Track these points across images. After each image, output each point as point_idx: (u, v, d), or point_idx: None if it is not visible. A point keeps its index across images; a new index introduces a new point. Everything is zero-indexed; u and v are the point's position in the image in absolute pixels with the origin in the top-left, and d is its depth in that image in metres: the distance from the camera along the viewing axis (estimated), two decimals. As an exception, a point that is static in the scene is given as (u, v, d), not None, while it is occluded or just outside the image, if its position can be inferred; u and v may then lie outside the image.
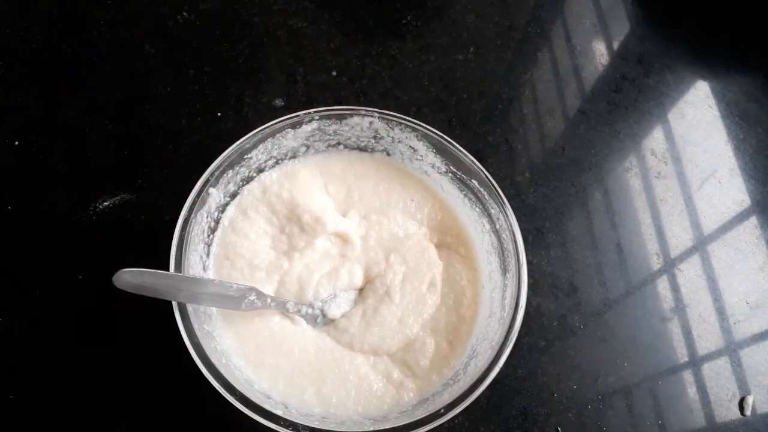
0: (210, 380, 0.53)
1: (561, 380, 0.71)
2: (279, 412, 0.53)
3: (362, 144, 0.74)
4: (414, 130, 0.69)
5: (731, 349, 0.75)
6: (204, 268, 0.66)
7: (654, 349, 0.74)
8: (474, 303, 0.67)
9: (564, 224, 0.82)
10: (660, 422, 0.70)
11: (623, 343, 0.74)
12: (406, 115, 0.69)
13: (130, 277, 0.52)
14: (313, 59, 0.93)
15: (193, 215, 0.62)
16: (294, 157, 0.73)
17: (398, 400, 0.62)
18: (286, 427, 0.52)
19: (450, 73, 0.94)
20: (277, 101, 0.88)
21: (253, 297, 0.61)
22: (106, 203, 0.77)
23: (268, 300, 0.63)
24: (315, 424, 0.53)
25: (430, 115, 0.89)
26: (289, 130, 0.69)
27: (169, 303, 0.56)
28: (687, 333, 0.76)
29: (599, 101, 0.94)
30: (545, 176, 0.86)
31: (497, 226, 0.66)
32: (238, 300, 0.60)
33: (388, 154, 0.75)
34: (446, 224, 0.72)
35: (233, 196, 0.70)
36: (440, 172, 0.72)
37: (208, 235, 0.67)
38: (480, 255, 0.70)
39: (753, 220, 0.86)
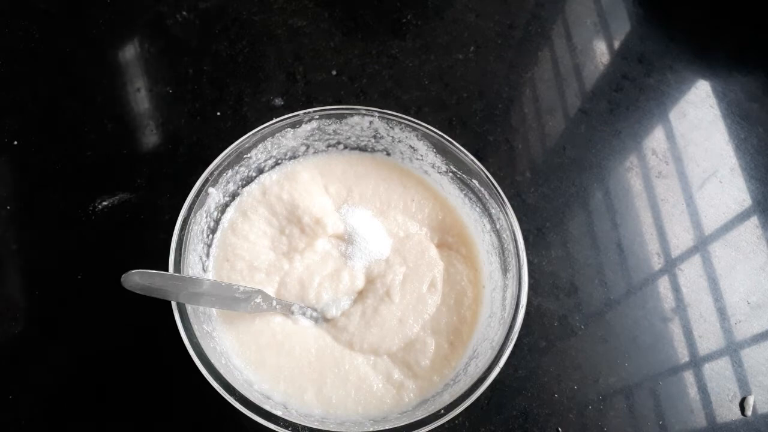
0: (209, 380, 0.53)
1: (562, 380, 0.71)
2: (279, 413, 0.53)
3: (362, 144, 0.74)
4: (414, 129, 0.69)
5: (732, 349, 0.75)
6: (204, 269, 0.66)
7: (655, 349, 0.74)
8: (475, 303, 0.67)
9: (565, 224, 0.82)
10: (661, 422, 0.69)
11: (624, 344, 0.74)
12: (407, 115, 0.69)
13: (140, 279, 0.52)
14: (312, 58, 0.93)
15: (192, 215, 0.62)
16: (294, 157, 0.73)
17: (399, 400, 0.61)
18: (286, 427, 0.52)
19: (450, 73, 0.94)
20: (276, 100, 0.88)
21: (259, 299, 0.61)
22: (105, 203, 0.76)
23: (274, 302, 0.63)
24: (315, 425, 0.53)
25: (431, 114, 0.89)
26: (289, 129, 0.69)
27: (169, 303, 0.56)
28: (688, 333, 0.76)
29: (600, 101, 0.94)
30: (546, 176, 0.85)
31: (498, 226, 0.66)
32: (244, 302, 0.60)
33: (388, 154, 0.75)
34: (447, 224, 0.72)
35: (233, 196, 0.70)
36: (440, 172, 0.72)
37: (208, 236, 0.67)
38: (481, 255, 0.70)
39: (754, 220, 0.86)
